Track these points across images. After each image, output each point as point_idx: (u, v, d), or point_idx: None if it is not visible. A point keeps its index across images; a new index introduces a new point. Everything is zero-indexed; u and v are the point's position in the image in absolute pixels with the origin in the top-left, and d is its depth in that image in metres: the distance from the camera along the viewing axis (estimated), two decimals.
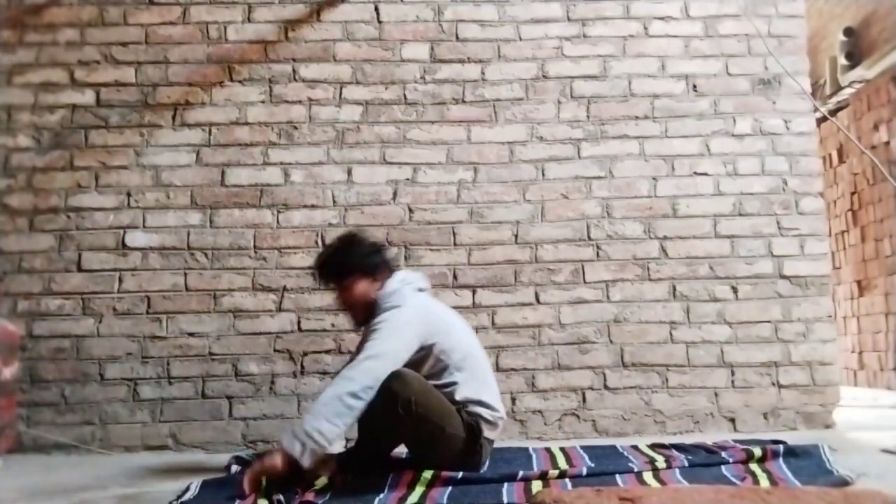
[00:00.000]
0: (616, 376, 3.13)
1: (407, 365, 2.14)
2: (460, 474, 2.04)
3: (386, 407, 2.02)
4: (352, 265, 2.32)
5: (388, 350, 2.11)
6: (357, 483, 2.03)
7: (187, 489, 2.06)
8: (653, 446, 2.58)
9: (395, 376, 2.04)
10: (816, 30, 5.51)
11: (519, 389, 3.11)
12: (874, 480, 1.90)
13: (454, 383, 2.20)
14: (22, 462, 2.78)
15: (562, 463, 2.33)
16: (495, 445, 2.37)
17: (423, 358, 2.21)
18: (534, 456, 2.47)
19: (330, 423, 1.98)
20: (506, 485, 2.00)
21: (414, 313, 2.22)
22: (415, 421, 2.03)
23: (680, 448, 2.48)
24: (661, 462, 2.21)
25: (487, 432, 2.21)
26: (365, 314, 2.30)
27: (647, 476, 2.07)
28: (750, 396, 3.13)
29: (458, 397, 2.19)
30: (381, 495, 1.92)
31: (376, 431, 2.16)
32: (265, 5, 3.33)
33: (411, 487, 1.97)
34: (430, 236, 3.20)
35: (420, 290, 2.37)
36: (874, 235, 4.96)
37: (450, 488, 1.97)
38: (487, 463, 2.30)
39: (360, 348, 2.18)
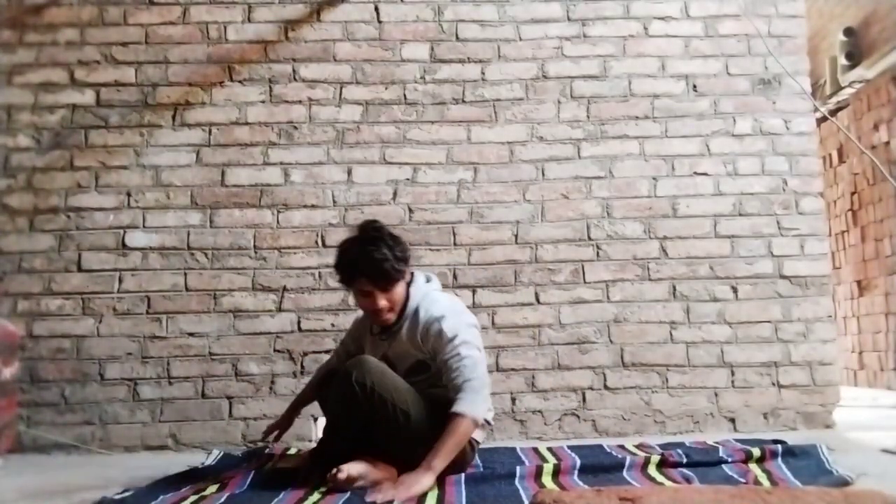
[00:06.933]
0: (616, 376, 3.13)
1: (424, 364, 2.12)
2: (463, 476, 2.04)
3: (346, 394, 1.96)
4: (399, 269, 2.08)
5: (479, 355, 2.08)
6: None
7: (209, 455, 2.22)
8: (639, 446, 2.58)
9: (355, 363, 1.99)
10: (816, 30, 5.51)
11: (519, 389, 3.11)
12: (874, 480, 1.90)
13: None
14: (22, 462, 2.78)
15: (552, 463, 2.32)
16: (483, 446, 2.36)
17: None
18: (522, 457, 2.45)
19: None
20: (518, 479, 1.99)
21: (468, 314, 2.19)
22: (376, 405, 1.97)
23: (679, 448, 2.47)
24: (655, 460, 2.21)
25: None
26: (397, 315, 2.15)
27: (652, 469, 2.08)
28: (750, 396, 3.13)
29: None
30: None
31: (339, 420, 2.08)
32: (265, 5, 3.33)
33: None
34: (430, 236, 3.20)
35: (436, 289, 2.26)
36: (874, 235, 4.96)
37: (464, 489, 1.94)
38: (479, 464, 2.28)
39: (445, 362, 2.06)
